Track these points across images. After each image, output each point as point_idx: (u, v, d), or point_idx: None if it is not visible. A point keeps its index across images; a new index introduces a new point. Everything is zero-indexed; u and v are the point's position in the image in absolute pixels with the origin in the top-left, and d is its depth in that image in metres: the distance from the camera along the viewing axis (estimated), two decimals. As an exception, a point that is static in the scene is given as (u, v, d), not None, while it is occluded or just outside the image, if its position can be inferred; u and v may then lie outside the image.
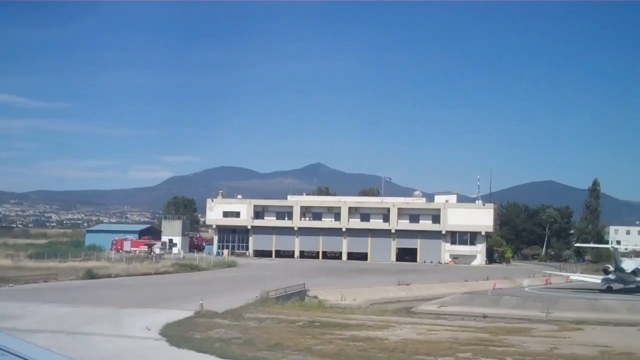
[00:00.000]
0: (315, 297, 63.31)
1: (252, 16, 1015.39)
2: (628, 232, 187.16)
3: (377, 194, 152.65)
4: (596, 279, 69.19)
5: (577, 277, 73.39)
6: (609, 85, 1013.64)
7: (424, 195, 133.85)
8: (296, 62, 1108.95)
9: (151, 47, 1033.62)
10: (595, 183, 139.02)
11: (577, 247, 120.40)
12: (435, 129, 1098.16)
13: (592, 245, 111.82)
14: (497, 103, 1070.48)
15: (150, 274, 73.61)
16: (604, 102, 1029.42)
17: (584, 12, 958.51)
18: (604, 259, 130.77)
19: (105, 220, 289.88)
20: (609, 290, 67.41)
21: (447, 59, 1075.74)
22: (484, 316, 56.97)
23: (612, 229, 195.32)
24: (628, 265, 66.86)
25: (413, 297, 69.52)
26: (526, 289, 69.40)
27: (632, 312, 57.93)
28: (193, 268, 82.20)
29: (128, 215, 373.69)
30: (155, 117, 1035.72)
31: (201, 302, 40.41)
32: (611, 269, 67.14)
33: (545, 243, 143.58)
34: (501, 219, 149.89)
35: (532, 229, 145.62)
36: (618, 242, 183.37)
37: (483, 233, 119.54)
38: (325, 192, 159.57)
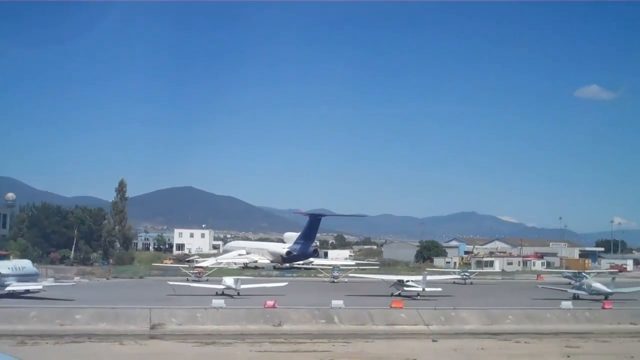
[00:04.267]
0: None
1: None
2: (191, 235, 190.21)
3: None
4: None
5: None
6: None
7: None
8: None
9: None
10: (122, 184, 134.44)
11: None
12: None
13: None
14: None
15: None
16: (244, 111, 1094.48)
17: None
18: (126, 262, 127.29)
19: None
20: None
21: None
22: None
23: (176, 231, 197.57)
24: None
25: None
26: None
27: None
28: None
29: None
30: None
31: None
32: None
33: (74, 245, 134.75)
34: (29, 222, 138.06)
35: (63, 231, 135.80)
36: (180, 246, 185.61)
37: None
38: None
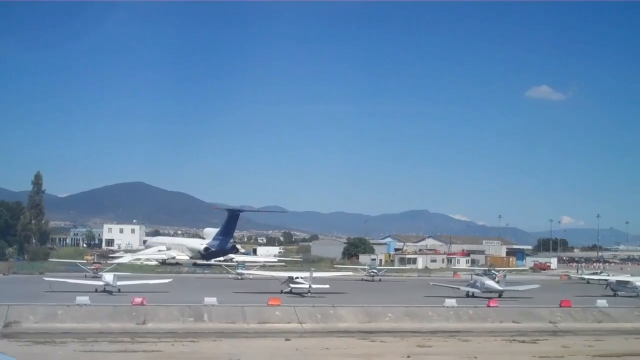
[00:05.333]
0: None
1: None
2: (121, 231, 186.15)
3: None
4: None
5: None
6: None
7: None
8: None
9: None
10: (38, 177, 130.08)
11: None
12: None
13: None
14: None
15: None
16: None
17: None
18: (41, 257, 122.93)
19: None
20: None
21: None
22: None
23: (105, 227, 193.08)
24: None
25: None
26: None
27: None
28: None
29: None
30: None
31: None
32: None
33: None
34: None
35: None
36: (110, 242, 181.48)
37: None
38: None
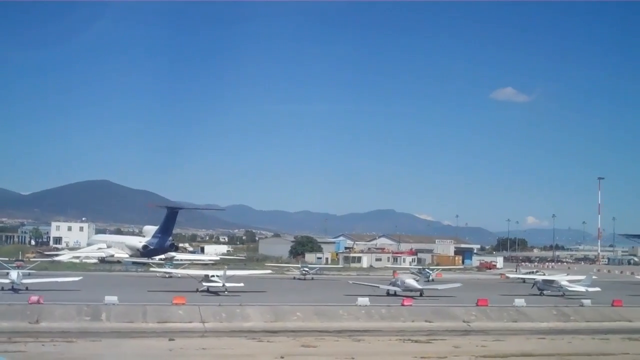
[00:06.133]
0: None
1: None
2: (69, 229, 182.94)
3: None
4: None
5: None
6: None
7: None
8: None
9: None
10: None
11: None
12: None
13: None
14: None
15: None
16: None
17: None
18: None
19: None
20: None
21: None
22: None
23: (53, 225, 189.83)
24: None
25: None
26: None
27: None
28: None
29: None
30: None
31: None
32: None
33: None
34: None
35: None
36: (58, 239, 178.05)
37: None
38: None
